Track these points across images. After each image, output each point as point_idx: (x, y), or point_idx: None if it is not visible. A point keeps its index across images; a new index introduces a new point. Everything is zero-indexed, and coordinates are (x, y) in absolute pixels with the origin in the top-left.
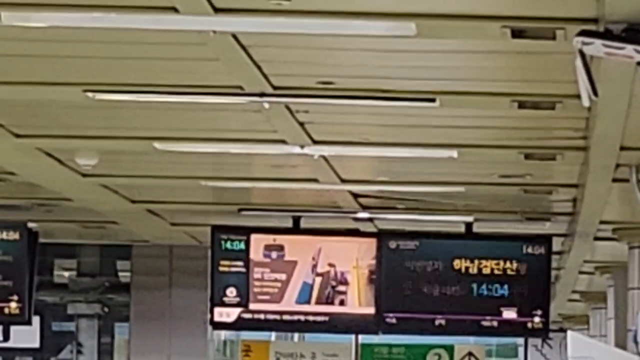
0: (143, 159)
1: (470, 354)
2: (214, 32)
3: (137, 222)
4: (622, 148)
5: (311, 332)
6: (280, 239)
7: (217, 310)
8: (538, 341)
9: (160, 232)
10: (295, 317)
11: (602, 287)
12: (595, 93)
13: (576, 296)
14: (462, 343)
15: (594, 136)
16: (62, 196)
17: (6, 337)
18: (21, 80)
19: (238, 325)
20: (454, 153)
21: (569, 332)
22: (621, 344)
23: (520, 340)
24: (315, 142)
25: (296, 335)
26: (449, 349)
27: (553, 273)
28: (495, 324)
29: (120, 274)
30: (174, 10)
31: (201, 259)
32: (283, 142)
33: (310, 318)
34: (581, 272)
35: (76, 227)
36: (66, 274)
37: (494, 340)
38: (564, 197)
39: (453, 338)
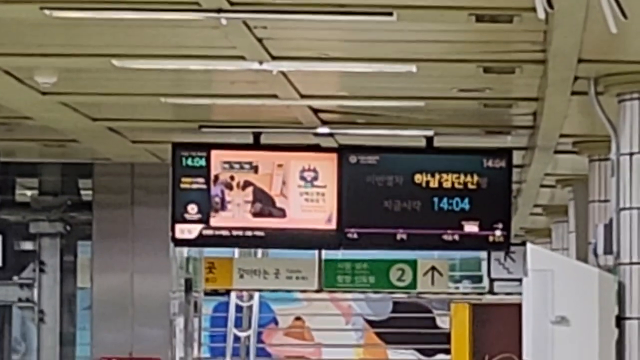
0: (102, 76)
1: (433, 268)
2: None
3: (98, 140)
4: (580, 60)
5: (272, 248)
6: (241, 154)
7: (178, 227)
8: (501, 255)
9: (121, 150)
10: (257, 233)
11: (564, 200)
12: (550, 5)
13: (538, 210)
14: (426, 258)
15: (552, 49)
16: (22, 115)
17: None
18: None
19: (199, 241)
20: (412, 67)
21: (529, 245)
22: (582, 257)
23: (484, 255)
24: (274, 58)
25: (260, 252)
26: (412, 264)
27: (514, 187)
28: (456, 237)
29: (82, 192)
30: None
31: (163, 177)
32: (242, 58)
33: (271, 234)
34: (542, 186)
35: (37, 145)
36: (28, 192)
37: (457, 255)
38: (523, 111)
39: (416, 253)
